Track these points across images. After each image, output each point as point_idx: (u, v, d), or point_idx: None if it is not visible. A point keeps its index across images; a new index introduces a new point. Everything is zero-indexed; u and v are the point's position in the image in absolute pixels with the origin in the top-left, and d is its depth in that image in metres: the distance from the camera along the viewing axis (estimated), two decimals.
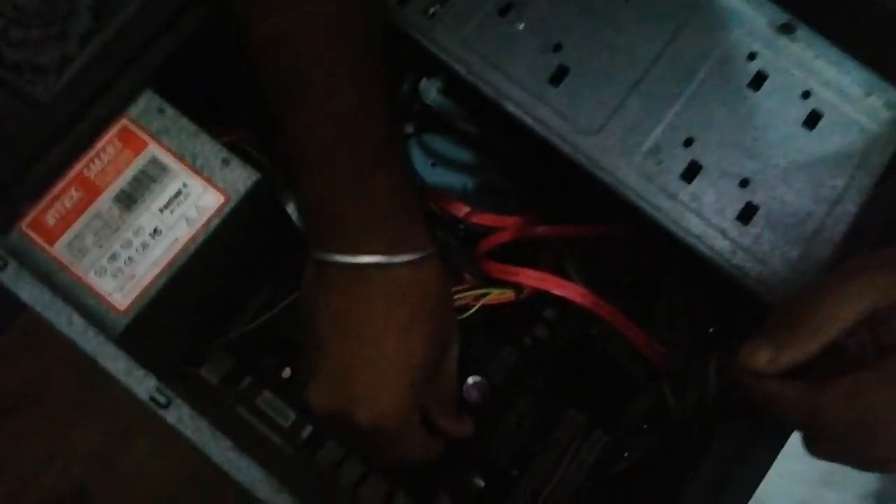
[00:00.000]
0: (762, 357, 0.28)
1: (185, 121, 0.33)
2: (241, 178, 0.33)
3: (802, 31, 0.34)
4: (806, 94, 0.34)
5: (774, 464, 0.33)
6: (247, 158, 0.33)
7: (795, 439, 0.34)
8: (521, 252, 0.40)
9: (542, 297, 0.42)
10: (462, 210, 0.39)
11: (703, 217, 0.33)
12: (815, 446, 0.28)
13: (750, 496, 0.31)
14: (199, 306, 0.37)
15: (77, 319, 0.30)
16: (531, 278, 0.37)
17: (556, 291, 0.37)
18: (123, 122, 0.33)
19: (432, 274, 0.34)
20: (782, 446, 0.33)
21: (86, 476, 0.48)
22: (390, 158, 0.33)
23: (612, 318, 0.36)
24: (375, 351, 0.32)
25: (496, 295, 0.38)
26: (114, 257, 0.32)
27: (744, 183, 0.33)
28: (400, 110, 0.44)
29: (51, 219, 0.32)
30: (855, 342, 0.27)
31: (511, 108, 0.33)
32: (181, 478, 0.47)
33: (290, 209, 0.43)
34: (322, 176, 0.32)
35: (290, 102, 0.31)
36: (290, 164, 0.32)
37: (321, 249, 0.33)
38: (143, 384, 0.30)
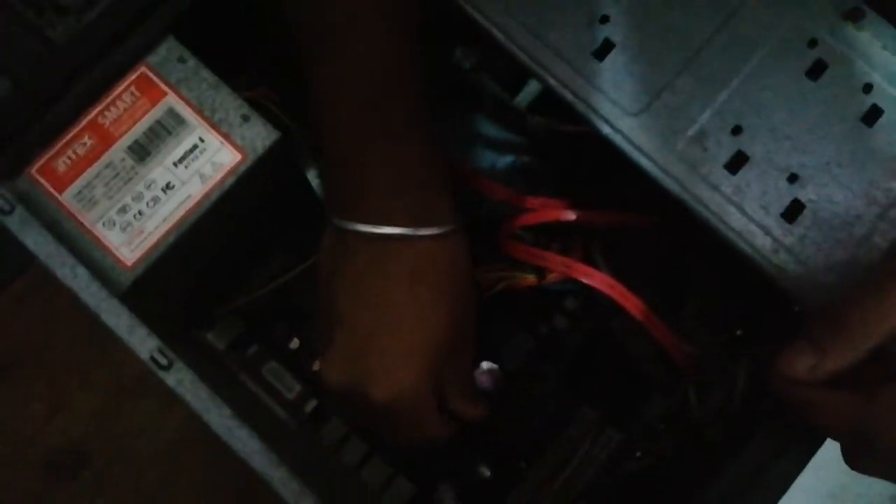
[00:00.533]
0: (804, 363, 0.26)
1: (206, 72, 0.31)
2: (261, 136, 0.31)
3: (871, 19, 0.32)
4: (868, 88, 0.32)
5: None
6: (267, 116, 0.32)
7: None
8: (547, 237, 0.38)
9: (564, 286, 0.40)
10: (492, 188, 0.37)
11: (746, 212, 0.31)
12: (859, 459, 0.26)
13: None
14: (209, 267, 0.36)
15: (81, 272, 0.29)
16: (558, 263, 0.35)
17: (583, 279, 0.35)
18: (142, 69, 0.31)
19: (457, 250, 0.32)
20: (809, 460, 0.31)
21: (85, 435, 0.47)
22: (423, 124, 0.31)
23: (638, 311, 0.34)
24: (396, 325, 0.31)
25: (519, 278, 0.37)
26: (123, 210, 0.31)
27: (792, 178, 0.31)
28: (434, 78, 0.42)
29: (61, 165, 0.31)
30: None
31: (550, 80, 0.32)
32: (181, 440, 0.46)
33: (310, 175, 0.42)
34: (351, 138, 0.30)
35: (322, 57, 0.29)
36: (318, 123, 0.31)
37: (343, 217, 0.31)
38: (144, 344, 0.29)
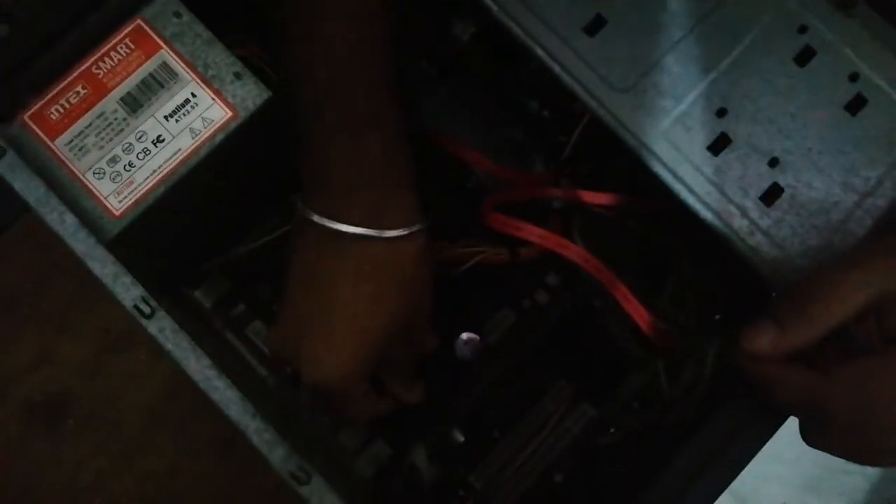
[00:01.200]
0: (765, 338, 0.27)
1: (200, 27, 0.31)
2: (252, 94, 0.32)
3: (862, 9, 0.32)
4: (854, 77, 0.32)
5: (759, 467, 0.32)
6: (260, 76, 0.32)
7: (781, 444, 0.33)
8: (529, 213, 0.39)
9: (545, 261, 0.41)
10: (479, 161, 0.38)
11: (725, 193, 0.32)
12: (815, 435, 0.27)
13: (728, 482, 0.30)
14: (197, 223, 0.36)
15: (70, 218, 0.29)
16: (533, 234, 0.35)
17: (558, 250, 0.36)
18: (138, 21, 0.31)
19: (411, 253, 0.32)
20: (769, 436, 0.32)
21: (73, 382, 0.48)
22: (387, 114, 0.31)
23: (611, 285, 0.35)
24: (330, 315, 0.32)
25: (490, 254, 0.37)
26: (114, 160, 0.31)
27: (773, 162, 0.32)
28: (424, 51, 0.42)
29: (54, 113, 0.31)
30: (862, 330, 0.26)
31: (539, 52, 0.32)
32: (166, 393, 0.47)
33: None
34: (312, 124, 0.30)
35: (290, 35, 0.29)
36: (291, 103, 0.31)
37: (305, 203, 0.32)
38: (128, 292, 0.29)
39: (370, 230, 0.31)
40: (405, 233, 0.31)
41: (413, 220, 0.32)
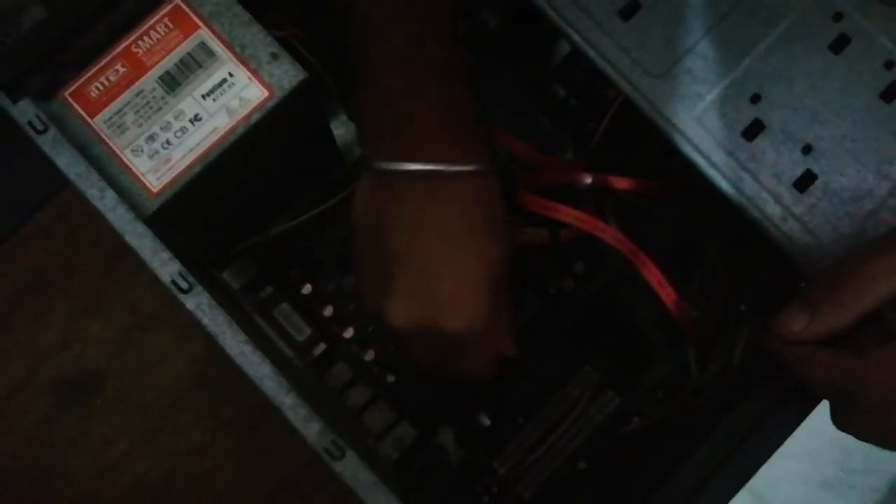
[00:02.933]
0: (798, 322, 0.27)
1: (238, 8, 0.32)
2: (288, 75, 0.32)
3: None
4: (889, 65, 0.32)
5: (777, 465, 0.32)
6: (296, 57, 0.33)
7: (799, 442, 0.33)
8: (558, 198, 0.39)
9: (574, 247, 0.41)
10: (511, 144, 0.38)
11: (759, 179, 0.31)
12: (845, 417, 0.27)
13: (752, 472, 0.30)
14: (231, 202, 0.36)
15: (109, 194, 0.30)
16: (570, 216, 0.36)
17: (595, 233, 0.36)
18: (176, 1, 0.32)
19: (496, 186, 0.33)
20: (794, 427, 0.32)
21: (101, 362, 0.48)
22: (464, 59, 0.32)
23: (646, 270, 0.35)
24: (461, 254, 0.31)
25: (531, 234, 0.37)
26: (152, 138, 0.31)
27: (806, 149, 0.32)
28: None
29: (94, 91, 0.31)
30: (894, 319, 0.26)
31: (575, 37, 0.32)
32: (193, 374, 0.47)
33: (334, 124, 0.42)
34: (396, 72, 0.30)
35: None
36: (360, 60, 0.31)
37: (385, 158, 0.31)
38: (166, 267, 0.30)
39: (465, 166, 0.31)
40: (489, 167, 0.32)
41: (492, 158, 0.33)
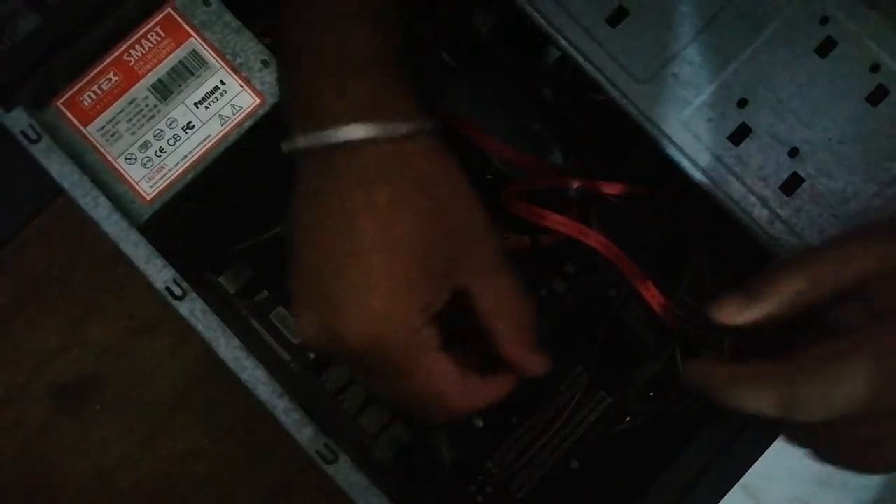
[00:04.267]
0: (732, 306, 0.26)
1: (229, 16, 0.32)
2: None
3: (884, 0, 0.32)
4: (875, 68, 0.32)
5: (770, 461, 0.32)
6: None
7: None
8: (546, 202, 0.39)
9: (563, 250, 0.41)
10: (499, 148, 0.38)
11: (745, 182, 0.32)
12: (798, 440, 0.26)
13: (744, 470, 0.31)
14: (225, 209, 0.37)
15: (103, 202, 0.30)
16: (556, 223, 0.36)
17: (579, 238, 0.36)
18: (168, 10, 0.32)
19: (427, 150, 0.27)
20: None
21: (99, 366, 0.49)
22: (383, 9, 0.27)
23: (630, 273, 0.36)
24: (351, 245, 0.25)
25: (513, 240, 0.38)
26: (145, 146, 0.32)
27: (793, 152, 0.32)
28: (445, 42, 0.43)
29: (87, 99, 0.32)
30: (842, 317, 0.25)
31: (563, 43, 0.32)
32: (191, 380, 0.48)
33: None
34: (299, 18, 0.27)
35: None
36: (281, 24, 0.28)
37: (290, 138, 0.27)
38: (160, 274, 0.30)
39: (365, 129, 0.25)
40: (410, 129, 0.26)
41: (418, 117, 0.27)
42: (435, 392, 0.27)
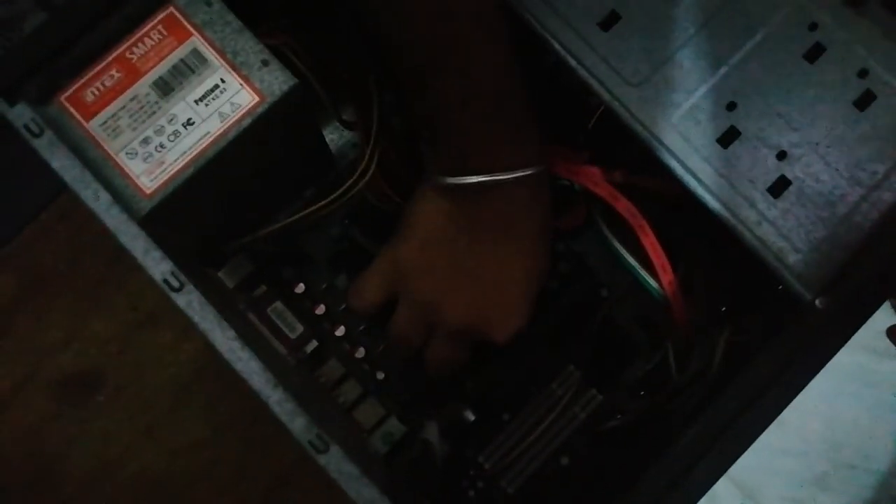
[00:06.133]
0: None
1: (230, 16, 0.33)
2: (279, 81, 0.33)
3: (873, 6, 0.33)
4: (863, 73, 0.33)
5: (766, 461, 0.32)
6: (287, 64, 0.34)
7: (789, 438, 0.33)
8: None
9: (556, 250, 0.42)
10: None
11: (733, 184, 0.32)
12: None
13: (734, 459, 0.31)
14: (223, 205, 0.38)
15: (104, 195, 0.31)
16: (589, 177, 0.37)
17: (611, 201, 0.37)
18: (170, 9, 0.33)
19: (544, 191, 0.36)
20: (769, 423, 0.32)
21: (102, 359, 0.49)
22: (511, 56, 0.33)
23: (653, 250, 0.36)
24: (513, 276, 0.36)
25: None
26: (146, 141, 0.33)
27: (781, 155, 0.32)
28: None
29: (89, 95, 0.33)
30: None
31: (556, 46, 0.33)
32: (192, 372, 0.49)
33: (327, 130, 0.44)
34: (450, 81, 0.32)
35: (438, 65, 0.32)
36: (407, 71, 0.33)
37: (449, 173, 0.34)
38: (158, 266, 0.31)
39: (515, 173, 0.33)
40: (540, 169, 0.35)
41: (543, 156, 0.35)
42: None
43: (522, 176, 0.33)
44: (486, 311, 0.36)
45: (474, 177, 0.33)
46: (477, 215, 0.35)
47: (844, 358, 0.32)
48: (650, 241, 0.36)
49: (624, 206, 0.36)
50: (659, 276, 0.36)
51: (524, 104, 0.34)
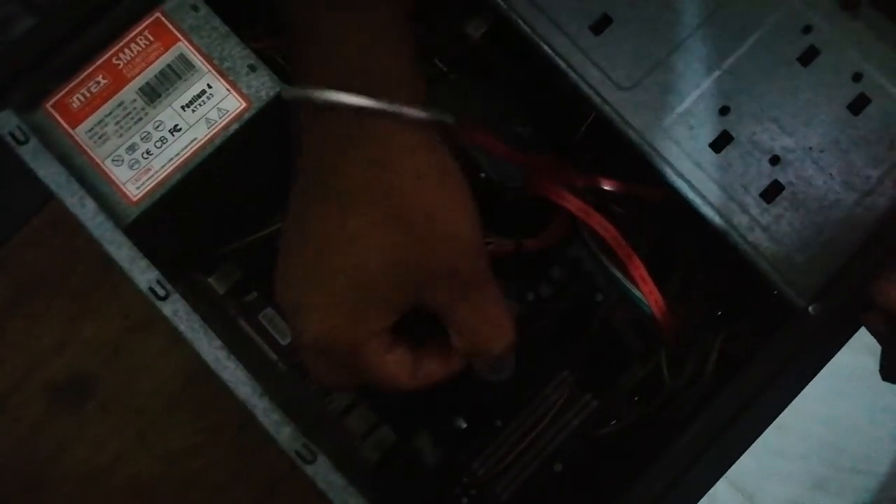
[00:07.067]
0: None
1: (217, 21, 0.33)
2: (266, 86, 0.33)
3: (867, 10, 0.32)
4: (857, 77, 0.32)
5: (766, 464, 0.32)
6: (274, 68, 0.33)
7: (789, 441, 0.33)
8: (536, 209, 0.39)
9: (550, 255, 0.41)
10: (492, 144, 0.38)
11: (726, 189, 0.32)
12: None
13: (728, 465, 0.31)
14: (211, 211, 0.37)
15: (89, 203, 0.31)
16: (573, 204, 0.35)
17: (594, 225, 0.35)
18: (157, 14, 0.33)
19: (433, 144, 0.27)
20: (764, 428, 0.32)
21: (94, 365, 0.49)
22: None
23: (635, 269, 0.35)
24: (450, 193, 0.26)
25: (497, 244, 0.38)
26: (132, 148, 0.32)
27: (774, 160, 0.32)
28: (437, 48, 0.43)
29: (75, 102, 0.32)
30: None
31: (546, 50, 0.33)
32: (184, 378, 0.48)
33: None
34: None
35: None
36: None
37: (326, 88, 0.26)
38: (144, 275, 0.31)
39: (389, 105, 0.26)
40: (428, 116, 0.26)
41: (426, 108, 0.27)
42: (387, 379, 0.28)
43: (420, 118, 0.26)
44: (290, 294, 0.28)
45: (355, 96, 0.25)
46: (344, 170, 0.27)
47: (844, 360, 0.32)
48: (640, 274, 0.35)
49: (597, 222, 0.35)
50: (648, 297, 0.35)
51: (411, 46, 0.27)
